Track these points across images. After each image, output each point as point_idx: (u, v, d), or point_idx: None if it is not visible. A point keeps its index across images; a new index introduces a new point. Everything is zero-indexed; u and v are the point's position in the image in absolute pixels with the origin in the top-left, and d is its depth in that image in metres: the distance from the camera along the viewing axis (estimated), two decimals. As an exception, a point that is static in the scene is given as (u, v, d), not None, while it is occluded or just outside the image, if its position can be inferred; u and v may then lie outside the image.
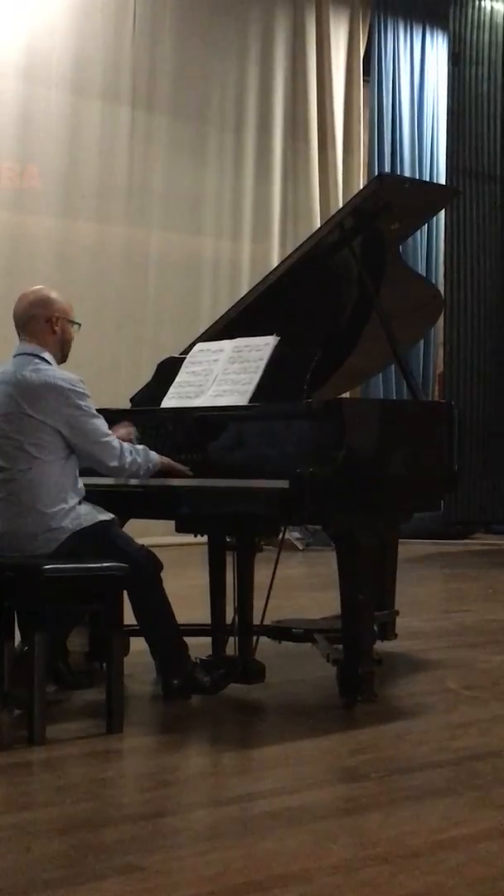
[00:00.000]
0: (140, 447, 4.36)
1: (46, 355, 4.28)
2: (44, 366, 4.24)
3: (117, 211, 10.90)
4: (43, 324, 4.32)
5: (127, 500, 4.51)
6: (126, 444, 4.30)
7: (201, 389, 4.70)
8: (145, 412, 4.90)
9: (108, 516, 4.29)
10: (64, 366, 4.37)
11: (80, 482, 4.30)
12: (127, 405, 5.16)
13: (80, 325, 4.45)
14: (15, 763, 3.66)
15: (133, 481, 4.44)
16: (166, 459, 4.40)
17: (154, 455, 4.37)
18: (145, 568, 4.24)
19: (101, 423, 4.25)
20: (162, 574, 4.32)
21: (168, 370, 4.98)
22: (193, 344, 5.04)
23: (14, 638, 4.30)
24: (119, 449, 4.25)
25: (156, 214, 11.12)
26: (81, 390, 4.21)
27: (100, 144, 10.77)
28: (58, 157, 10.52)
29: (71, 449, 4.22)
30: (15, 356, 4.31)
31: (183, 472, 4.43)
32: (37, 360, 4.25)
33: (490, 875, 2.67)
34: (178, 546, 5.95)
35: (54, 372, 4.24)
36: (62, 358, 4.39)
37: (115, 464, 4.26)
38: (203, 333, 5.21)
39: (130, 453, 4.29)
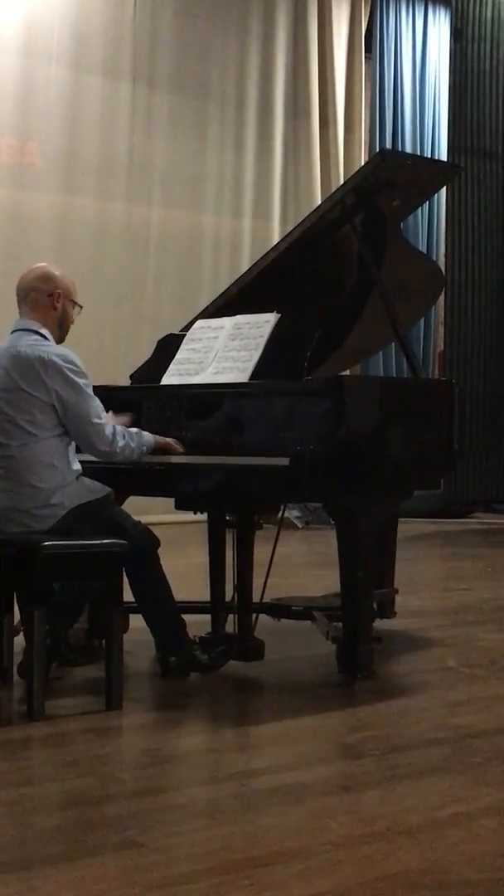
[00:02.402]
0: (134, 430, 4.32)
1: (45, 332, 4.24)
2: (41, 341, 4.20)
3: (117, 187, 10.87)
4: (45, 298, 4.29)
5: (126, 476, 4.50)
6: (119, 428, 4.25)
7: (201, 366, 4.69)
8: (145, 389, 4.89)
9: (104, 491, 4.28)
10: (65, 342, 4.35)
11: (76, 459, 4.29)
12: (127, 382, 5.15)
13: (81, 307, 4.42)
14: (14, 739, 3.67)
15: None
16: (161, 439, 4.39)
17: (147, 436, 4.34)
18: (142, 545, 4.23)
19: (95, 404, 4.19)
20: (159, 551, 4.31)
21: (168, 347, 4.97)
22: (194, 321, 5.02)
23: (13, 613, 4.31)
24: (111, 434, 4.20)
25: (156, 191, 11.08)
26: (77, 368, 4.15)
27: (100, 121, 10.73)
28: (58, 133, 10.48)
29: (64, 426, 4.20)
30: (13, 331, 4.28)
31: (176, 449, 4.42)
32: (35, 336, 4.21)
33: (489, 851, 2.68)
34: (177, 524, 5.95)
35: (50, 348, 4.19)
36: (60, 338, 4.34)
37: (105, 448, 4.21)
38: (203, 310, 5.20)
39: (123, 437, 4.24)
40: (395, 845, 2.70)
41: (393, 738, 3.67)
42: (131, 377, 5.16)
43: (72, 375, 4.13)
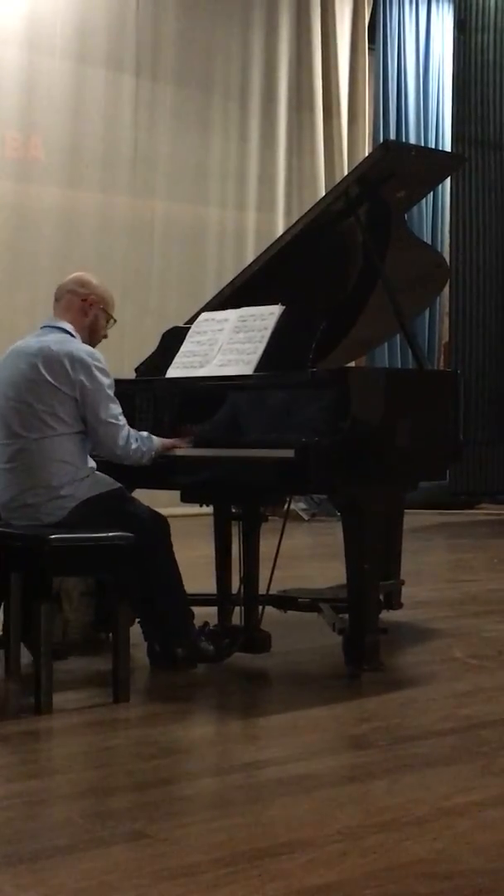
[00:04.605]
0: (145, 434, 4.35)
1: (71, 329, 4.31)
2: (69, 338, 4.28)
3: (121, 181, 10.86)
4: (78, 302, 4.39)
5: (132, 469, 4.50)
6: (133, 432, 4.29)
7: (206, 359, 4.69)
8: (150, 382, 4.89)
9: (115, 486, 4.29)
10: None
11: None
12: (132, 375, 5.15)
13: (115, 321, 4.47)
14: (22, 732, 3.68)
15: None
16: (167, 441, 4.41)
17: (156, 441, 4.37)
18: (154, 530, 4.23)
19: (115, 405, 4.24)
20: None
21: (173, 340, 4.97)
22: (198, 313, 5.02)
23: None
24: (127, 436, 4.25)
25: (160, 184, 11.07)
26: (103, 367, 4.22)
27: (104, 114, 10.71)
28: (61, 126, 10.47)
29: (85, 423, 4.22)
30: (42, 327, 4.35)
31: (182, 445, 4.43)
32: (62, 333, 4.29)
33: (496, 841, 2.68)
34: (183, 517, 5.93)
35: (78, 345, 4.27)
36: (89, 344, 4.39)
37: (119, 451, 4.26)
38: (208, 303, 5.20)
39: (136, 440, 4.28)
40: (402, 835, 2.71)
41: (400, 728, 3.68)
42: (136, 370, 5.17)
43: (97, 374, 4.19)
